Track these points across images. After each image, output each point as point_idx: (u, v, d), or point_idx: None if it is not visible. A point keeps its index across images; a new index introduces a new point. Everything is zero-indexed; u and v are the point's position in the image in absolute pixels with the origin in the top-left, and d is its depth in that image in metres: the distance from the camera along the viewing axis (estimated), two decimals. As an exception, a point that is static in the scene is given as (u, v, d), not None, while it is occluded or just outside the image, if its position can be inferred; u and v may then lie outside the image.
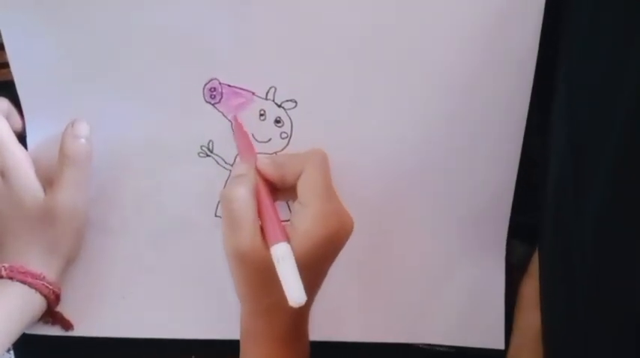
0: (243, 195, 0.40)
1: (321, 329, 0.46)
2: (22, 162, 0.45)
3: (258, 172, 0.42)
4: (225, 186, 0.41)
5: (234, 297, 0.42)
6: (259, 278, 0.40)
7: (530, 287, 0.47)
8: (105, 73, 0.45)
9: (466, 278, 0.49)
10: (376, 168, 0.47)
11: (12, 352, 0.51)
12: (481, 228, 0.48)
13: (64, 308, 0.49)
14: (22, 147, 0.46)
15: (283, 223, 0.40)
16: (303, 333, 0.43)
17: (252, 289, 0.41)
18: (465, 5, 0.43)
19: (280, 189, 0.42)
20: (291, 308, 0.37)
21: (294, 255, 0.38)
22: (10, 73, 0.46)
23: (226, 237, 0.40)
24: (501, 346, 0.49)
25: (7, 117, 0.45)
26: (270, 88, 0.45)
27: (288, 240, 0.39)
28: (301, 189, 0.40)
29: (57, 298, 0.47)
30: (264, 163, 0.42)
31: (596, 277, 0.35)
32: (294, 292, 0.37)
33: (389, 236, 0.48)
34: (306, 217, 0.39)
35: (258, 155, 0.44)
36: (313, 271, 0.40)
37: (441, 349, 0.50)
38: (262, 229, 0.40)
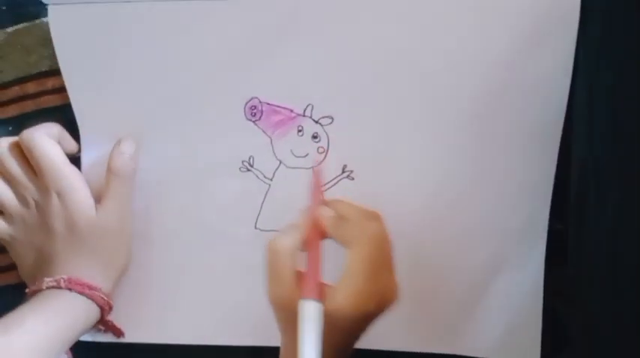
0: (286, 248, 0.40)
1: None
2: (75, 183, 0.47)
3: (317, 221, 0.41)
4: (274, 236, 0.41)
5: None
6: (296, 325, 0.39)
7: None
8: (154, 95, 0.48)
9: (504, 293, 0.49)
10: (412, 181, 0.47)
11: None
12: (519, 244, 0.48)
13: (114, 316, 0.50)
14: (75, 168, 0.48)
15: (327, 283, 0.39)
16: None
17: (290, 334, 0.40)
18: (499, 23, 0.44)
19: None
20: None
21: (328, 312, 0.38)
22: (66, 97, 0.49)
23: (267, 284, 0.40)
24: (537, 363, 0.48)
25: (60, 141, 0.48)
26: (308, 105, 0.47)
27: (322, 298, 0.38)
28: (351, 259, 0.39)
29: (110, 308, 0.49)
30: (326, 217, 0.42)
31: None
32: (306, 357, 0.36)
33: (428, 249, 0.48)
34: (346, 290, 0.38)
35: (322, 206, 0.43)
36: (345, 334, 0.40)
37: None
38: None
